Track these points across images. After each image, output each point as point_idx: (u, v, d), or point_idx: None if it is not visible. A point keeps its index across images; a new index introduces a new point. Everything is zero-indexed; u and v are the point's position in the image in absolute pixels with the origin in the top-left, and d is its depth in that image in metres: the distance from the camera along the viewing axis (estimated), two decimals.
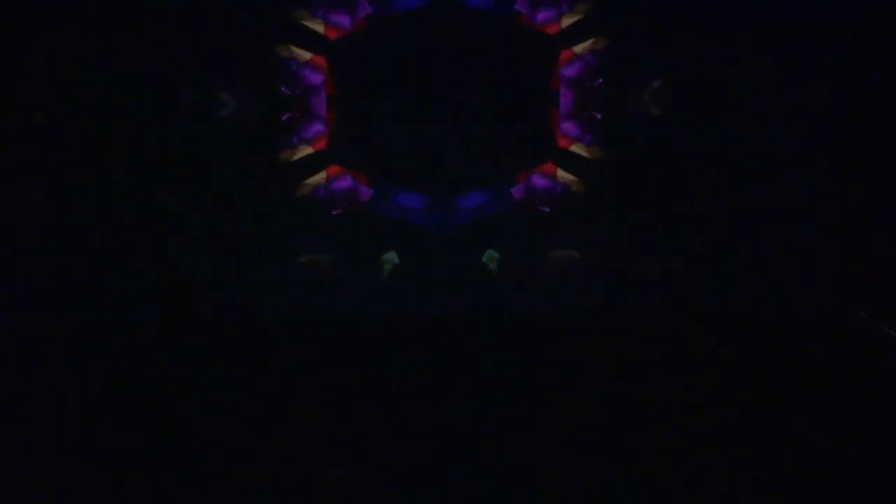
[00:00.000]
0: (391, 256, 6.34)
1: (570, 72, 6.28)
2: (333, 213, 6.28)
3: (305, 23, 6.13)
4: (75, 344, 5.75)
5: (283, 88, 6.13)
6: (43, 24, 5.86)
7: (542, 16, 6.26)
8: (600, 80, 6.25)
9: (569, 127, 6.32)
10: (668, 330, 6.04)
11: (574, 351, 5.83)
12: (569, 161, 6.36)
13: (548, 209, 6.37)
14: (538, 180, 6.38)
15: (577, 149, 6.35)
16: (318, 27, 6.17)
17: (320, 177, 6.28)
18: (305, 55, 6.17)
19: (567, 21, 6.25)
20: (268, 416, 4.89)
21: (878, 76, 6.15)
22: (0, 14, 5.81)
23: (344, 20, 6.19)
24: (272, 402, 5.07)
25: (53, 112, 5.93)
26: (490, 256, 6.33)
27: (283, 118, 6.16)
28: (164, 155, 6.02)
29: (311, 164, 6.26)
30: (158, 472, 4.31)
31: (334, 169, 6.28)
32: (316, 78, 6.19)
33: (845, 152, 6.33)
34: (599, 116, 6.28)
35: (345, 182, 6.31)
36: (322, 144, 6.26)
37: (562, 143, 6.34)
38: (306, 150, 6.26)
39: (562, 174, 6.37)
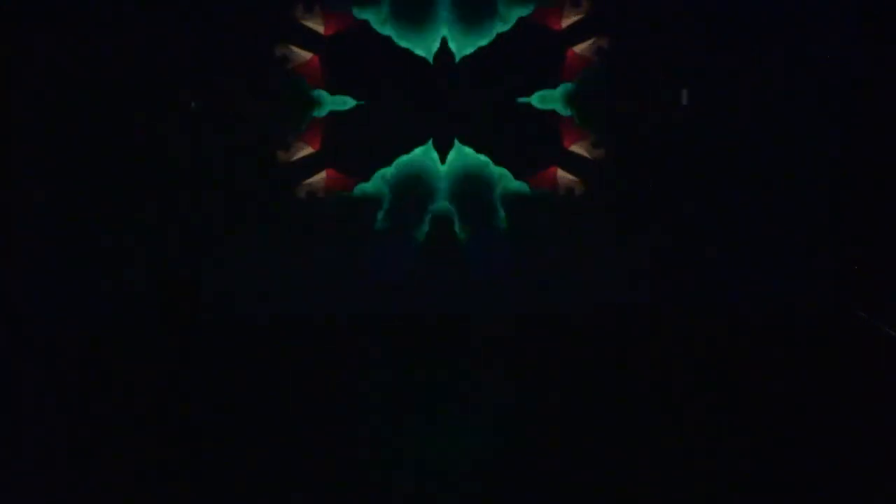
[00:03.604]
0: None
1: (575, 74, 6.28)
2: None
3: (305, 22, 6.13)
4: (75, 345, 5.75)
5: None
6: (43, 24, 5.85)
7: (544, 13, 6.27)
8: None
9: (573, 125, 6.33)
10: (667, 329, 6.04)
11: (574, 351, 5.83)
12: (570, 161, 6.36)
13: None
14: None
15: (577, 149, 6.35)
16: (318, 27, 6.16)
17: (320, 177, 6.28)
18: (305, 55, 6.17)
19: (569, 20, 6.25)
20: (269, 417, 4.88)
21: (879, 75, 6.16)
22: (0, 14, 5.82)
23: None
24: (273, 402, 5.07)
25: (53, 112, 5.93)
26: None
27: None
28: (164, 155, 6.02)
29: (311, 164, 6.26)
30: (159, 474, 4.31)
31: (331, 173, 6.28)
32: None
33: (846, 152, 6.33)
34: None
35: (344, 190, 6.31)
36: (317, 145, 6.26)
37: (566, 143, 6.34)
38: (306, 150, 6.26)
39: (562, 174, 6.38)
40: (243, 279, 6.16)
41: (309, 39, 6.15)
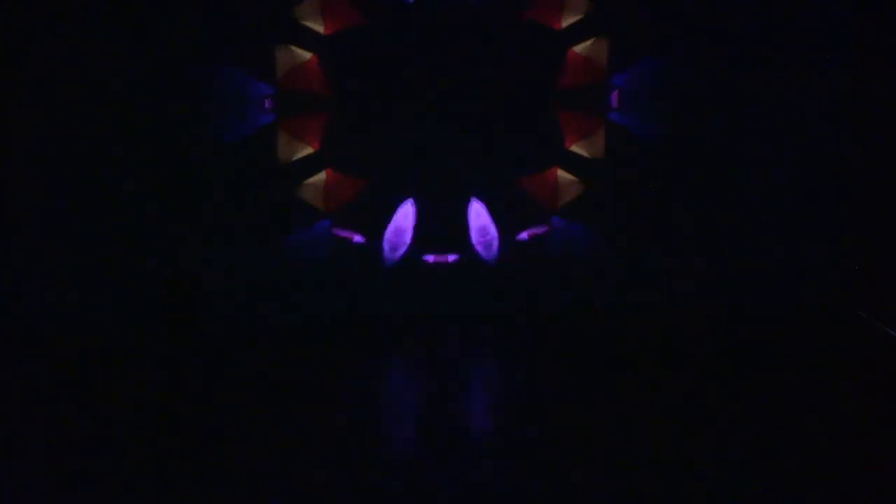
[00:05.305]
0: None
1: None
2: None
3: (305, 22, 6.13)
4: (81, 344, 5.76)
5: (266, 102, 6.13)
6: (43, 24, 5.86)
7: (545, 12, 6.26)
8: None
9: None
10: (668, 329, 6.05)
11: (575, 350, 5.84)
12: (569, 161, 6.36)
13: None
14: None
15: (577, 149, 6.36)
16: (318, 27, 6.16)
17: (320, 177, 6.28)
18: (305, 55, 6.17)
19: (569, 19, 6.25)
20: (271, 417, 4.88)
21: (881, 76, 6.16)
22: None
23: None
24: (275, 402, 5.07)
25: (58, 112, 5.93)
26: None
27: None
28: (166, 156, 6.03)
29: (311, 164, 6.27)
30: (162, 473, 4.32)
31: (331, 173, 6.29)
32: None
33: (846, 153, 6.34)
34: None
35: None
36: (316, 145, 6.27)
37: (566, 143, 6.34)
38: (306, 151, 6.27)
39: (562, 174, 6.38)
40: (243, 279, 6.17)
41: (309, 39, 6.15)
